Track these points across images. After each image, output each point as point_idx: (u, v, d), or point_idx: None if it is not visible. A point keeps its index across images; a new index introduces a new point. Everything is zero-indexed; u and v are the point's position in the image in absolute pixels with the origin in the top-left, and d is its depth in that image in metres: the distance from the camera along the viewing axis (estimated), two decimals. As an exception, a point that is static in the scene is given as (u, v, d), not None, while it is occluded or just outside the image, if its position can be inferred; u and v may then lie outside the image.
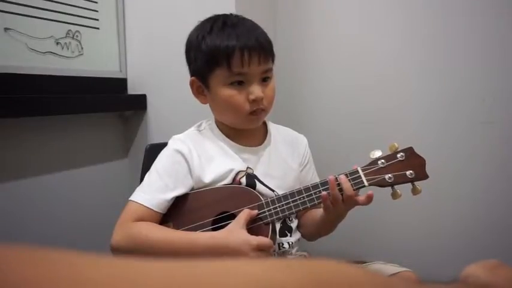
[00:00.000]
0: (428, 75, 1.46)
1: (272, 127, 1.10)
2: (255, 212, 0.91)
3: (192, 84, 1.01)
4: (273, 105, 1.01)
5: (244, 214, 0.89)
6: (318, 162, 1.14)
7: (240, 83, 0.94)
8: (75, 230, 1.30)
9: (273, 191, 0.99)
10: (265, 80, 0.97)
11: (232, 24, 0.96)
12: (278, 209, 0.91)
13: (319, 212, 0.99)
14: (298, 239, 1.06)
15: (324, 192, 0.89)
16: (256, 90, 0.94)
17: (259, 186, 0.99)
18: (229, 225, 0.88)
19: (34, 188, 1.19)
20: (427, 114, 1.47)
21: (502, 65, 1.38)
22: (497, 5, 1.37)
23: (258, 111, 0.96)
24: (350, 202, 0.90)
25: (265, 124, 1.09)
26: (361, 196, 0.90)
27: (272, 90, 0.99)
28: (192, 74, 1.01)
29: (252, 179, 0.99)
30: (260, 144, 1.04)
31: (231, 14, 1.01)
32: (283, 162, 1.05)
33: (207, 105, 1.04)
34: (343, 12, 1.56)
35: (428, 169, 0.90)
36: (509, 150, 1.39)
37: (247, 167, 1.00)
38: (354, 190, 0.89)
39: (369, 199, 0.88)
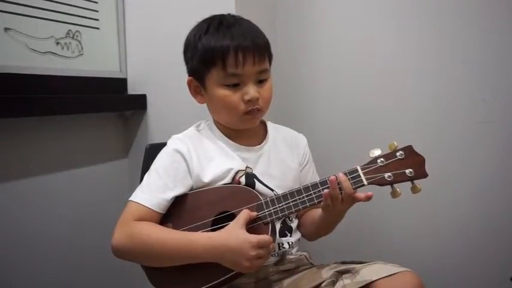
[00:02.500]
0: (428, 75, 1.46)
1: (271, 127, 1.10)
2: (254, 213, 0.90)
3: (189, 84, 1.02)
4: (269, 105, 1.01)
5: (244, 214, 0.89)
6: (317, 161, 1.14)
7: (235, 85, 0.95)
8: (76, 229, 1.30)
9: (272, 190, 0.99)
10: (261, 81, 0.97)
11: (228, 24, 0.96)
12: (278, 209, 0.91)
13: (318, 211, 0.99)
14: (298, 239, 1.06)
15: (326, 191, 0.88)
16: (251, 91, 0.94)
17: (258, 185, 0.99)
18: (228, 225, 0.88)
19: (34, 188, 1.19)
20: (427, 114, 1.47)
21: (502, 65, 1.38)
22: (497, 4, 1.37)
23: (253, 111, 0.97)
24: (349, 201, 0.90)
25: (264, 124, 1.09)
26: (361, 193, 0.89)
27: (268, 90, 0.99)
28: (189, 74, 1.02)
29: (251, 178, 0.99)
30: (259, 144, 1.05)
31: (229, 14, 1.01)
32: (283, 162, 1.05)
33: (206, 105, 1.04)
34: (343, 12, 1.56)
35: (427, 168, 0.90)
36: (508, 150, 1.39)
37: (247, 166, 1.00)
38: (353, 189, 0.89)
39: (368, 198, 0.88)
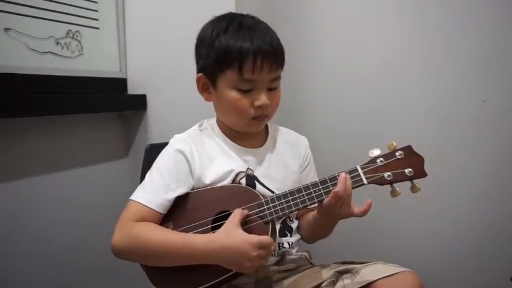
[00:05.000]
0: (429, 75, 1.46)
1: (273, 129, 1.10)
2: (246, 211, 0.90)
3: (198, 80, 1.00)
4: (275, 111, 1.01)
5: (237, 213, 0.88)
6: (317, 162, 1.14)
7: (247, 90, 0.94)
8: (75, 229, 1.30)
9: (272, 192, 0.99)
10: (272, 88, 0.97)
11: (249, 26, 0.95)
12: (278, 208, 0.91)
13: (312, 214, 0.99)
14: (299, 239, 1.05)
15: (336, 188, 0.88)
16: (263, 98, 0.94)
17: (258, 187, 0.98)
18: (223, 226, 0.88)
19: (34, 187, 1.19)
20: (427, 115, 1.47)
21: (503, 65, 1.38)
22: (498, 4, 1.37)
23: (261, 117, 0.97)
24: (347, 203, 0.89)
25: (266, 125, 1.08)
26: (360, 207, 0.89)
27: (278, 97, 0.99)
28: (199, 70, 1.00)
29: (252, 180, 0.99)
30: (261, 146, 1.04)
31: (247, 15, 1.00)
32: (284, 164, 1.05)
33: (207, 105, 1.04)
34: (343, 12, 1.56)
35: (428, 169, 0.91)
36: (509, 150, 1.39)
37: (248, 168, 1.00)
38: (353, 188, 0.89)
39: (368, 208, 0.88)
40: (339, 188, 0.88)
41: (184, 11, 1.39)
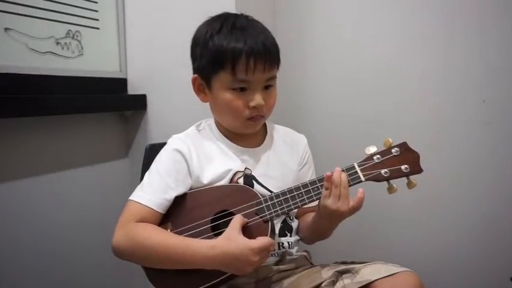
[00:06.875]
0: (428, 76, 1.46)
1: (271, 128, 1.09)
2: (246, 219, 0.90)
3: (193, 81, 1.01)
4: (272, 111, 1.00)
5: (238, 219, 0.88)
6: (315, 161, 1.14)
7: (242, 89, 0.94)
8: (75, 229, 1.30)
9: (271, 191, 0.98)
10: (267, 87, 0.97)
11: (242, 26, 0.94)
12: (277, 206, 0.91)
13: (311, 216, 0.99)
14: (298, 239, 1.05)
15: (328, 173, 0.88)
16: (257, 98, 0.94)
17: (256, 186, 0.98)
18: (225, 232, 0.87)
19: (34, 188, 1.19)
20: (427, 115, 1.47)
21: (502, 65, 1.38)
22: (498, 4, 1.37)
23: (256, 117, 0.96)
24: (345, 198, 0.88)
25: (264, 125, 1.08)
26: (354, 198, 0.89)
27: (273, 97, 0.99)
28: (195, 71, 1.00)
29: (249, 179, 0.99)
30: (259, 145, 1.04)
31: (242, 15, 1.00)
32: (283, 163, 1.05)
33: (207, 105, 1.04)
34: (343, 12, 1.56)
35: (428, 170, 0.91)
36: (508, 151, 1.39)
37: (245, 168, 0.99)
38: (350, 185, 0.89)
39: (362, 195, 0.88)
40: (332, 173, 0.88)
41: (184, 11, 1.39)
